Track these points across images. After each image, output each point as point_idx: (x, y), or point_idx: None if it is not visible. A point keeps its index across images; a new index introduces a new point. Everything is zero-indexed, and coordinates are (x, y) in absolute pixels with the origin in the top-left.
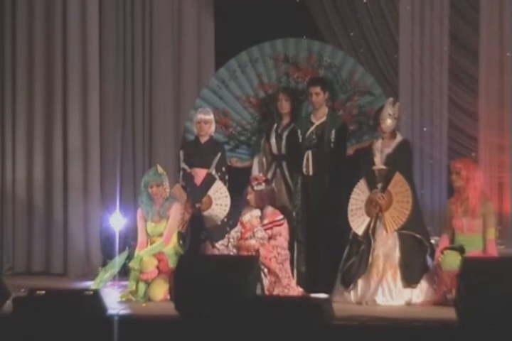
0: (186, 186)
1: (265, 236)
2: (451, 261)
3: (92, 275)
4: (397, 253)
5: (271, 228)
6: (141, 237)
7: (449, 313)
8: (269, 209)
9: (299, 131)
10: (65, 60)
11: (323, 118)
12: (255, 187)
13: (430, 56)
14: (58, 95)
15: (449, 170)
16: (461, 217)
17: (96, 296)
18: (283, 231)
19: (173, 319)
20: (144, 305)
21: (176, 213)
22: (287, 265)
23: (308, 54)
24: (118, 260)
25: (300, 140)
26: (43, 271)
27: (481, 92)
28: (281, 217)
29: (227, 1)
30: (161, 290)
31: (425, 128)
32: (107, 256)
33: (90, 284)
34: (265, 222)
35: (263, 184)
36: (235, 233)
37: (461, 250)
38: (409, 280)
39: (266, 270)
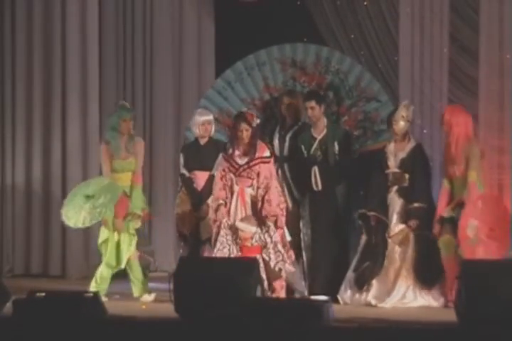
0: (187, 191)
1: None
2: (446, 247)
3: (90, 277)
4: (413, 255)
5: (257, 164)
6: (106, 171)
7: (449, 315)
8: (260, 143)
9: (303, 147)
10: (64, 60)
11: (324, 132)
12: (253, 124)
13: (430, 58)
14: (57, 95)
15: None
16: (452, 164)
17: (95, 298)
18: (272, 170)
19: (173, 320)
20: (143, 306)
21: (142, 151)
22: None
23: (316, 59)
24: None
25: (305, 155)
26: (41, 273)
27: (481, 94)
28: (269, 154)
29: (227, 3)
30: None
31: (425, 130)
32: None
33: (89, 286)
34: (256, 156)
35: (256, 118)
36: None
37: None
38: (424, 283)
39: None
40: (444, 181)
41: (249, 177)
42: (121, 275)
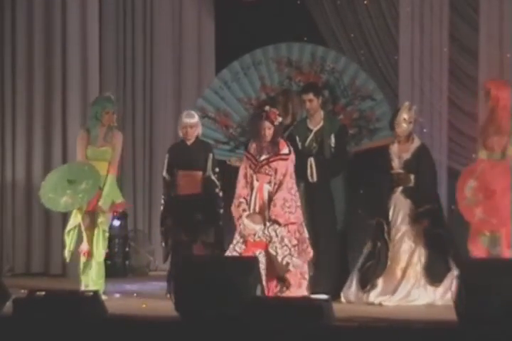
0: (166, 196)
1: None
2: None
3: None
4: (423, 252)
5: (276, 161)
6: (79, 157)
7: (449, 314)
8: (281, 141)
9: (297, 138)
10: (64, 61)
11: (321, 124)
12: (276, 122)
13: (430, 57)
14: (58, 95)
15: (449, 170)
16: (492, 136)
17: (95, 297)
18: (289, 166)
19: (174, 320)
20: (144, 305)
21: (120, 143)
22: (299, 216)
23: (311, 58)
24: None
25: (299, 147)
26: (42, 272)
27: (481, 93)
28: (288, 151)
29: (227, 2)
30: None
31: (425, 130)
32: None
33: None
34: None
35: (278, 116)
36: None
37: None
38: (433, 279)
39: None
40: (482, 152)
41: (267, 174)
42: (121, 275)
